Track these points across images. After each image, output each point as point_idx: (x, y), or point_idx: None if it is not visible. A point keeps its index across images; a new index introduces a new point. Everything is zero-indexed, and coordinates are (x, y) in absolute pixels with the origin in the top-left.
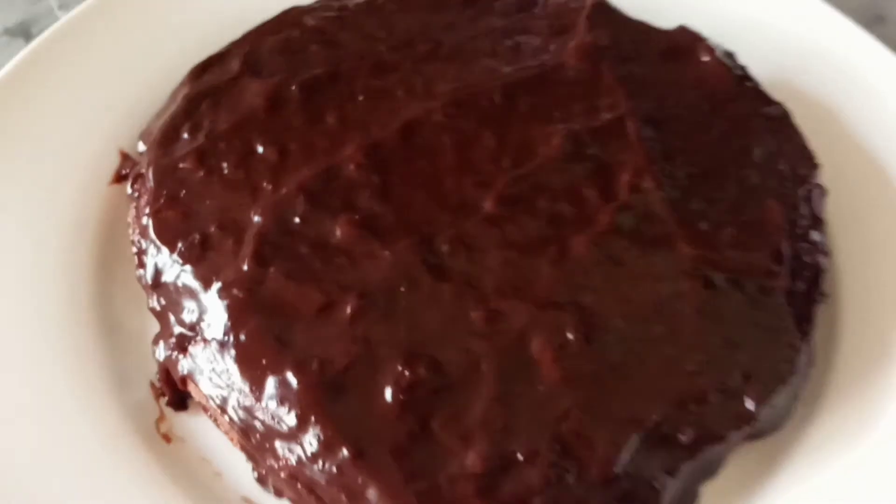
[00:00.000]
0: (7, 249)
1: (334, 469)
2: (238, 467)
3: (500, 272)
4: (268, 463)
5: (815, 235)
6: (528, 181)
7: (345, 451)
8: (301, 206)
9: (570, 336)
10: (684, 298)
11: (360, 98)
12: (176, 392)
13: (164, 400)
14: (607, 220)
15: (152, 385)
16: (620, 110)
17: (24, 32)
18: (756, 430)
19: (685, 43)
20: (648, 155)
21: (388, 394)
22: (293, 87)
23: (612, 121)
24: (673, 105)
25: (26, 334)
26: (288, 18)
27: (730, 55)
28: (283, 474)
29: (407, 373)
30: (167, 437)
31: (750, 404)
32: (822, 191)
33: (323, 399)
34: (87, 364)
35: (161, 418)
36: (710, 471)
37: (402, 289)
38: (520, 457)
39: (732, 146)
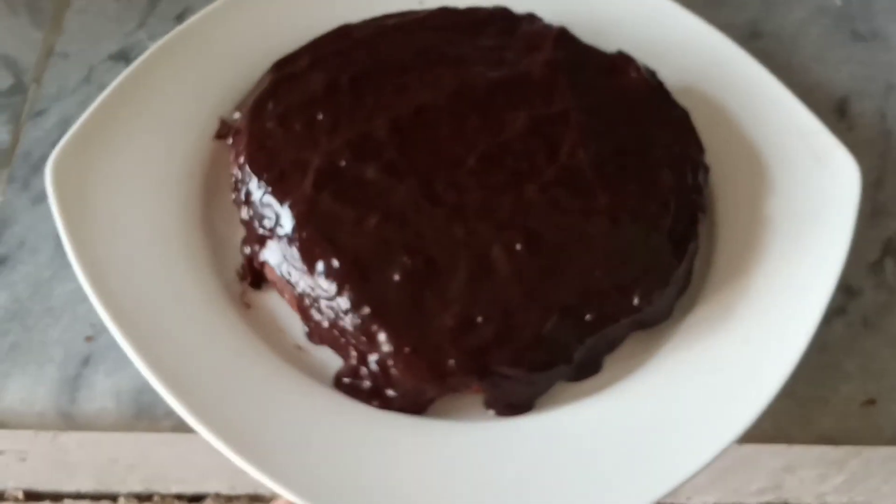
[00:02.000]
0: (146, 181)
1: (358, 321)
2: (294, 325)
3: (477, 204)
4: (314, 319)
5: (695, 196)
6: (499, 147)
7: (366, 309)
8: (346, 154)
9: (518, 247)
10: (597, 228)
11: (389, 87)
12: (255, 274)
13: (246, 282)
14: (551, 174)
15: (237, 272)
16: (567, 105)
17: (125, 57)
18: (645, 318)
19: (620, 63)
20: (582, 135)
21: (396, 276)
22: (343, 79)
23: (560, 111)
24: (605, 104)
25: (158, 236)
26: (342, 31)
27: (651, 72)
28: (324, 324)
29: (409, 262)
30: (247, 305)
31: (636, 300)
32: (706, 167)
33: (354, 276)
34: (197, 255)
35: (244, 293)
36: (610, 347)
37: (410, 210)
38: (480, 320)
39: (644, 134)
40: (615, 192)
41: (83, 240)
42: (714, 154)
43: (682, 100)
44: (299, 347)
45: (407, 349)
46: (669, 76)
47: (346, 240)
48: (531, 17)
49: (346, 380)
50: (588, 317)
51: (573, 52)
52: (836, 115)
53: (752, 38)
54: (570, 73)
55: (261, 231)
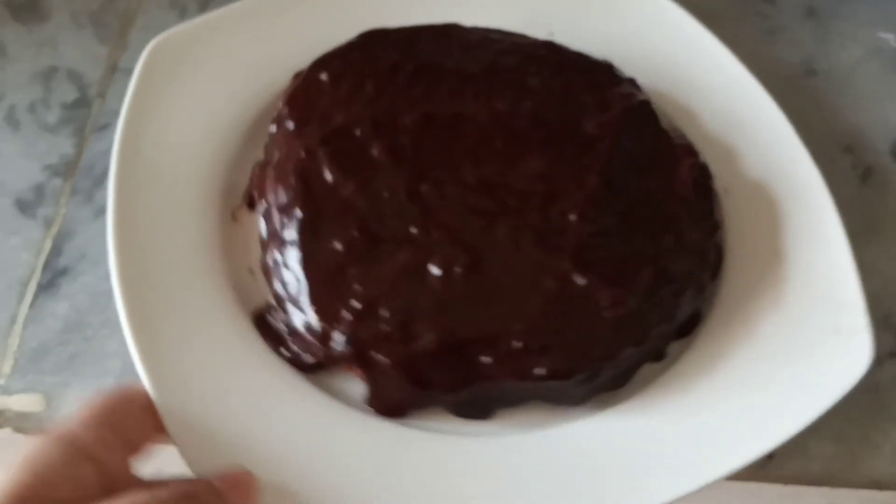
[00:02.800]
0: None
1: (289, 265)
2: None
3: (447, 215)
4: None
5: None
6: (502, 178)
7: (298, 257)
8: (366, 125)
9: (457, 268)
10: (544, 286)
11: (444, 89)
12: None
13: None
14: (533, 221)
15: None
16: (593, 169)
17: None
18: (548, 393)
19: (680, 153)
20: (588, 204)
21: (338, 244)
22: (409, 65)
23: (581, 171)
24: (636, 187)
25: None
26: (446, 28)
27: (704, 170)
28: (267, 258)
29: (356, 237)
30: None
31: (538, 370)
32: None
33: (306, 227)
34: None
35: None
36: (505, 400)
37: (387, 193)
38: (384, 313)
39: (656, 231)
40: (586, 268)
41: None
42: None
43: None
44: (251, 271)
45: (313, 308)
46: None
47: (317, 192)
48: (630, 82)
49: (266, 316)
50: (483, 359)
51: (639, 125)
52: (892, 155)
53: (807, 76)
54: (619, 144)
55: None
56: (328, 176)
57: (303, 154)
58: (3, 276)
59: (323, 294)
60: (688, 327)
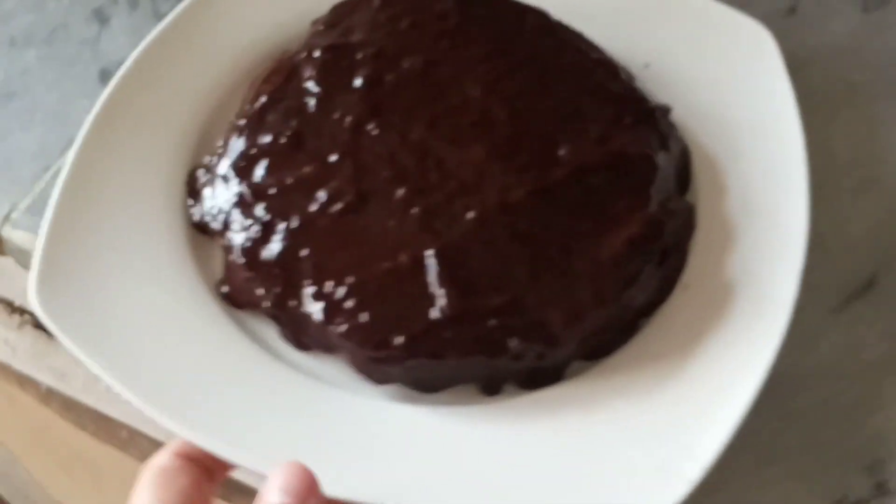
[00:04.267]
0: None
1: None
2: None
3: (364, 154)
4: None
5: None
6: (443, 151)
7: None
8: (377, 62)
9: (336, 205)
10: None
11: (467, 59)
12: None
13: None
14: (425, 203)
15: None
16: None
17: None
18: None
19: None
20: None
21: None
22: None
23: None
24: None
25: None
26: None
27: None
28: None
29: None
30: None
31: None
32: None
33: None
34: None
35: None
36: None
37: (336, 115)
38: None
39: None
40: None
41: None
42: None
43: None
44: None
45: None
46: None
47: (289, 89)
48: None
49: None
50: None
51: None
52: None
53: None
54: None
55: None
56: (308, 81)
57: (304, 53)
58: (60, 127)
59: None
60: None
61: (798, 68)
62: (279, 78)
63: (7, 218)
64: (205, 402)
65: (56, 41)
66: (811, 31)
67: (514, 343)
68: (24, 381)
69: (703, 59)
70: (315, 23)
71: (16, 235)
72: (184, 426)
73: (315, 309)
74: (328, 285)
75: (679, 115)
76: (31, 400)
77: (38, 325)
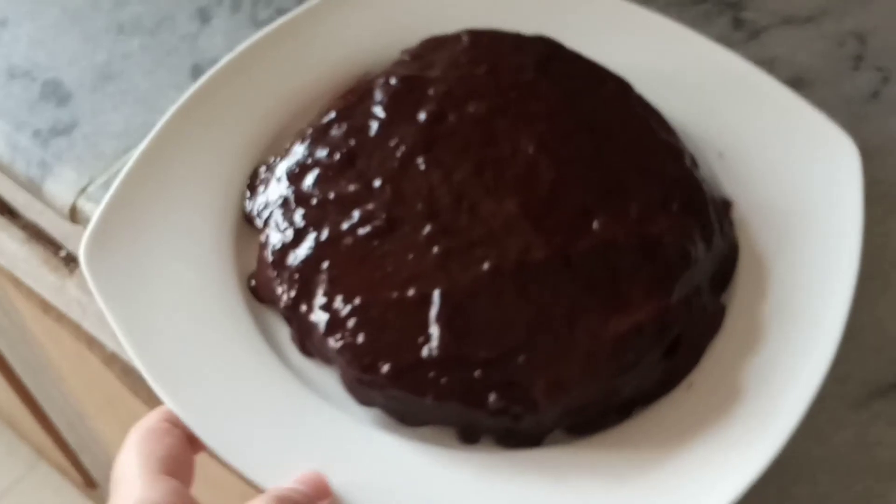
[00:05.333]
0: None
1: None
2: None
3: (406, 183)
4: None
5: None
6: (480, 199)
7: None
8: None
9: (368, 227)
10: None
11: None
12: None
13: None
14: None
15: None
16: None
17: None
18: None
19: None
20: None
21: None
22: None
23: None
24: None
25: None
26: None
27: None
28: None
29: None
30: None
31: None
32: None
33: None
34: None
35: None
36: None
37: (392, 143)
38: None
39: None
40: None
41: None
42: None
43: None
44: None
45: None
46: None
47: (357, 110)
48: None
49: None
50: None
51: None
52: None
53: None
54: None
55: None
56: (376, 105)
57: (382, 79)
58: (147, 112)
59: (289, 174)
60: None
61: (871, 155)
62: (353, 97)
63: (84, 190)
64: (202, 387)
65: (160, 32)
66: (892, 118)
67: (492, 398)
68: (92, 343)
69: (780, 158)
70: (403, 52)
71: (88, 207)
72: (175, 403)
73: (320, 319)
74: (337, 300)
75: (741, 211)
76: (96, 361)
77: None
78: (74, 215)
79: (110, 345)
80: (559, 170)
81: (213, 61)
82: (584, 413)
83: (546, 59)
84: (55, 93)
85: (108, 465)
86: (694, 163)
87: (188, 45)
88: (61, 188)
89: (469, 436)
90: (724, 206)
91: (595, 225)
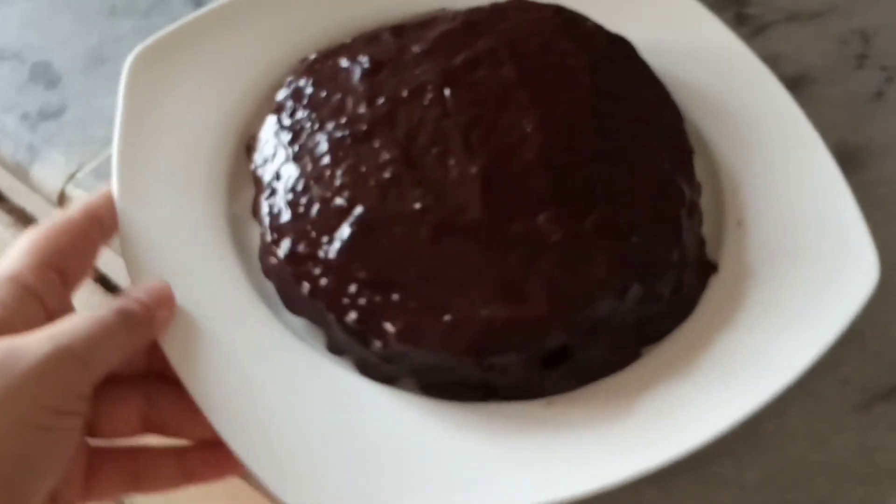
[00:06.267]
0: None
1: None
2: None
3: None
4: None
5: None
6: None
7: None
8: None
9: (391, 168)
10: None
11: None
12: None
13: None
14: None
15: None
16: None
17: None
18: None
19: None
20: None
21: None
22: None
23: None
24: None
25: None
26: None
27: None
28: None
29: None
30: None
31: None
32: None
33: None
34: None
35: None
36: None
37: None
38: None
39: None
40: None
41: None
42: None
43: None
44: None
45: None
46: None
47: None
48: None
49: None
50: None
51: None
52: None
53: None
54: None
55: None
56: (428, 34)
57: (451, 16)
58: None
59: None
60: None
61: (874, 156)
62: (417, 22)
63: (72, 176)
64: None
65: (153, 15)
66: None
67: (352, 315)
68: None
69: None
70: (495, 4)
71: (77, 194)
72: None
73: (271, 187)
74: (289, 181)
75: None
76: None
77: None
78: (62, 201)
79: None
80: (542, 157)
81: None
82: (436, 376)
83: (605, 58)
84: (45, 75)
85: None
86: (690, 216)
87: None
88: (49, 173)
89: (333, 347)
90: (705, 267)
91: (540, 218)
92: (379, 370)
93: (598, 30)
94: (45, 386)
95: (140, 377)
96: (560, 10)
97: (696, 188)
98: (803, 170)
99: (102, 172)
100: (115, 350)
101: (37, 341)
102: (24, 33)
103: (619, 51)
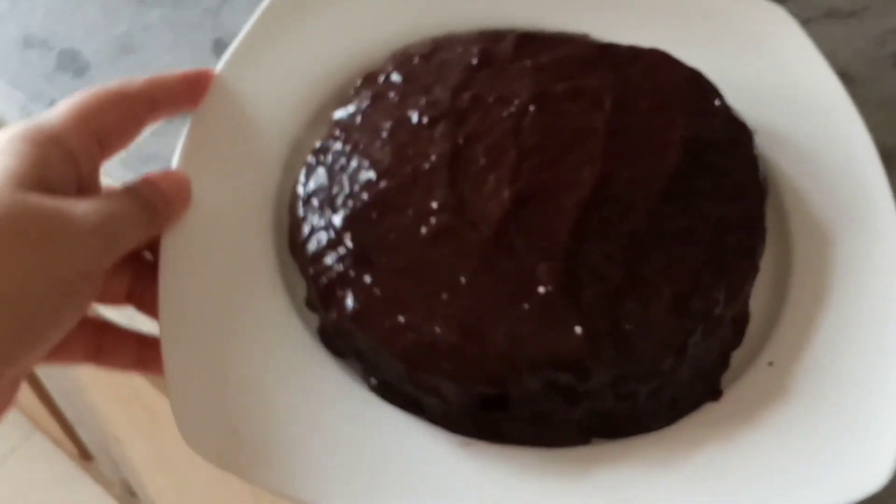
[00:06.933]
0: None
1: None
2: None
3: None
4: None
5: None
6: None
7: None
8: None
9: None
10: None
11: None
12: None
13: None
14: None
15: None
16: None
17: None
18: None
19: None
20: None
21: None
22: None
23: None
24: None
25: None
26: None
27: None
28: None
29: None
30: None
31: None
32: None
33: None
34: None
35: None
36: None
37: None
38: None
39: None
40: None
41: None
42: None
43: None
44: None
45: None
46: None
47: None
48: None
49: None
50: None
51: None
52: None
53: None
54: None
55: None
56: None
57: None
58: None
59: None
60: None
61: None
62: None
63: None
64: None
65: (181, 5)
66: None
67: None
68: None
69: None
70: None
71: (105, 182)
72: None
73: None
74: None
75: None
76: None
77: None
78: None
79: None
80: (578, 210)
81: (236, 36)
82: (376, 370)
83: (710, 143)
84: (72, 63)
85: (103, 438)
86: (709, 334)
87: (210, 19)
88: None
89: (308, 301)
90: (706, 389)
91: (540, 266)
92: (332, 341)
93: (723, 110)
94: (87, 256)
95: (134, 250)
96: (695, 79)
97: (731, 316)
98: None
99: (131, 161)
100: (135, 239)
101: (83, 214)
102: (51, 21)
103: (732, 139)
